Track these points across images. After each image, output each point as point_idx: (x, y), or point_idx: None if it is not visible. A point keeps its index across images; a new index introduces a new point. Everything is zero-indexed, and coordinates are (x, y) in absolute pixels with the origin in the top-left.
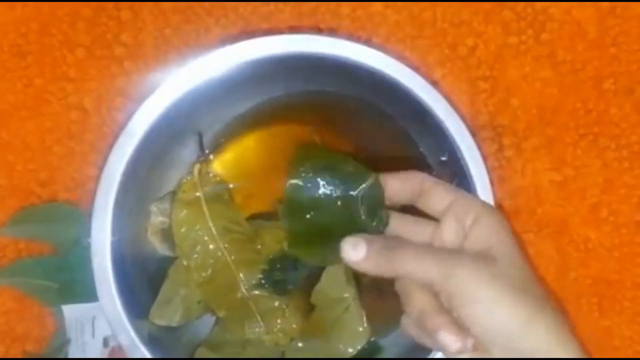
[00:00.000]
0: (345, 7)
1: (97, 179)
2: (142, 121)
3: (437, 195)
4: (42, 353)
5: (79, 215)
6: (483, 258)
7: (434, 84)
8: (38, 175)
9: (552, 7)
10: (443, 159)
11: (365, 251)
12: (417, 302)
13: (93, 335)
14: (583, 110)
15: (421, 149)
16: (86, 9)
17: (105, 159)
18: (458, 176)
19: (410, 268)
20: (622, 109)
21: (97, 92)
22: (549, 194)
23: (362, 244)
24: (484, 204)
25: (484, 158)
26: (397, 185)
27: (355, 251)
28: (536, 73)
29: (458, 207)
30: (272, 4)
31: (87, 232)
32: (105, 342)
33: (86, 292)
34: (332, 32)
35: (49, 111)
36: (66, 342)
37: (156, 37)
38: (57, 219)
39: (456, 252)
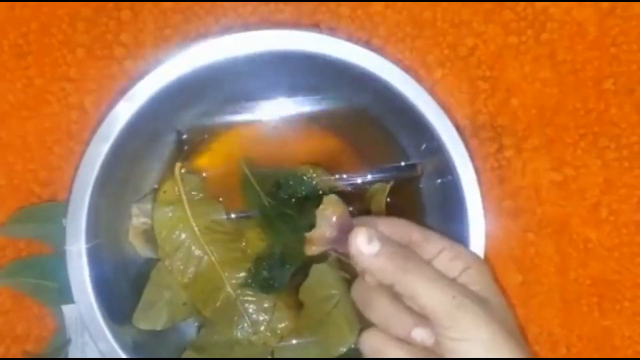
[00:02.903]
0: (345, 7)
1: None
2: (115, 122)
3: (425, 246)
4: (42, 353)
5: None
6: (481, 299)
7: (434, 83)
8: (38, 175)
9: (552, 7)
10: (422, 147)
11: (378, 248)
12: (380, 307)
13: None
14: (583, 110)
15: (403, 145)
16: (86, 9)
17: (78, 162)
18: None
19: (419, 290)
20: (622, 109)
21: (97, 92)
22: (549, 194)
23: (376, 240)
24: (472, 253)
25: (471, 154)
26: (386, 231)
27: (369, 245)
28: (536, 73)
29: (447, 254)
30: (272, 3)
31: (63, 239)
32: None
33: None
34: (332, 32)
35: (49, 111)
36: (66, 342)
37: (156, 37)
38: (57, 218)
39: (463, 288)
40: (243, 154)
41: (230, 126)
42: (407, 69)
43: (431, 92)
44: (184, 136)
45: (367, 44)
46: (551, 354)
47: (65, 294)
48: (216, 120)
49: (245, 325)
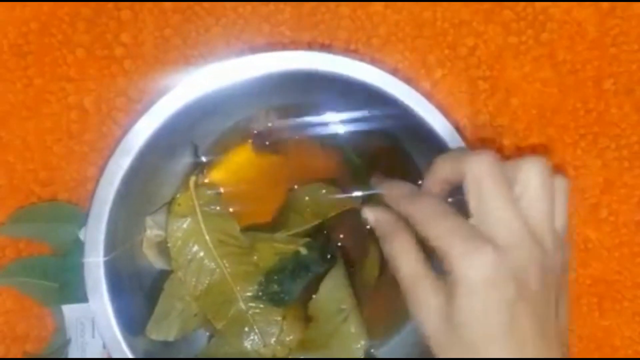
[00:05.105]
0: (345, 7)
1: (95, 184)
2: (137, 137)
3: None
4: (42, 353)
5: (79, 215)
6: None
7: (434, 83)
8: (38, 175)
9: (552, 7)
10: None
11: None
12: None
13: (93, 335)
14: (583, 110)
15: (417, 164)
16: (86, 9)
17: (100, 174)
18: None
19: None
20: (622, 109)
21: (97, 92)
22: None
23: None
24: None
25: None
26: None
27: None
28: (536, 73)
29: None
30: (272, 3)
31: (81, 249)
32: None
33: (86, 292)
34: (331, 32)
35: (49, 111)
36: (66, 342)
37: (156, 37)
38: (57, 218)
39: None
40: (257, 169)
41: (245, 141)
42: (407, 69)
43: (431, 92)
44: (200, 151)
45: (367, 44)
46: None
47: (65, 294)
48: (232, 135)
49: (255, 337)
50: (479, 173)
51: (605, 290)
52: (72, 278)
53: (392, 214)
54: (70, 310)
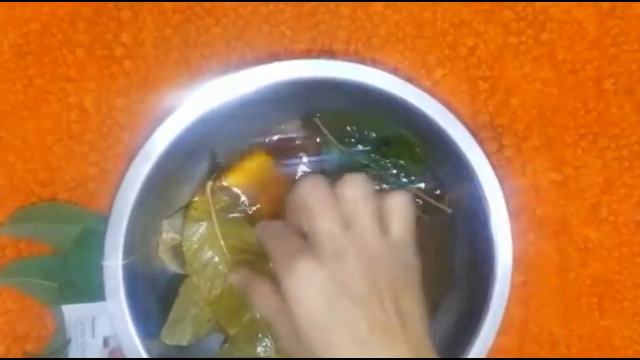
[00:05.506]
0: (345, 7)
1: (116, 190)
2: (157, 144)
3: None
4: (42, 353)
5: (79, 215)
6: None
7: (434, 83)
8: (38, 175)
9: (552, 7)
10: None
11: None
12: None
13: (93, 335)
14: (583, 110)
15: (438, 175)
16: (86, 9)
17: (120, 181)
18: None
19: None
20: (622, 109)
21: (97, 92)
22: (549, 194)
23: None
24: None
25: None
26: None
27: None
28: (536, 73)
29: None
30: (272, 3)
31: (100, 254)
32: (105, 342)
33: (86, 292)
34: (331, 32)
35: (49, 111)
36: (66, 342)
37: (156, 37)
38: (57, 218)
39: None
40: (273, 175)
41: (262, 147)
42: (407, 69)
43: (431, 92)
44: (218, 156)
45: (367, 44)
46: (551, 354)
47: (65, 294)
48: (249, 142)
49: (268, 343)
50: (306, 193)
51: (605, 290)
52: (72, 278)
53: (249, 269)
54: (70, 310)
